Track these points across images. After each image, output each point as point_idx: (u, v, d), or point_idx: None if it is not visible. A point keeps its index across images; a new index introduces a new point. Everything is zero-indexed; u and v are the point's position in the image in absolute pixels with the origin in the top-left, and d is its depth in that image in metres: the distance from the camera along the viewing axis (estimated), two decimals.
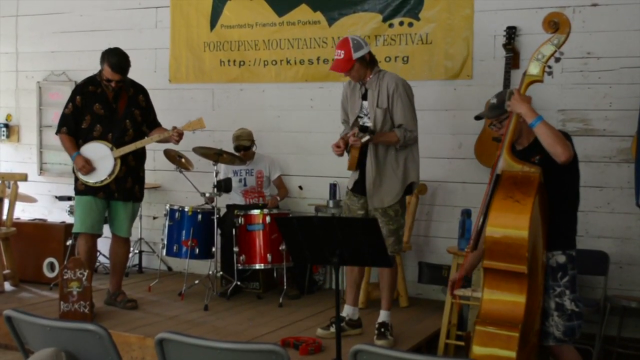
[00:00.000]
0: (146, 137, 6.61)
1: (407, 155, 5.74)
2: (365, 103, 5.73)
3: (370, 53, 5.71)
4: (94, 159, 6.39)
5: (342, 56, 5.60)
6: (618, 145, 6.50)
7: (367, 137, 5.46)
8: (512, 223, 4.01)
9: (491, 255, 4.08)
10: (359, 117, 5.77)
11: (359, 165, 5.70)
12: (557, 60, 4.25)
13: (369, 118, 5.70)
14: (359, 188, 5.79)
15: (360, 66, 5.63)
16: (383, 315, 5.82)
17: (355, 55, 5.58)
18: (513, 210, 4.02)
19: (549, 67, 4.24)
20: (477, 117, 4.81)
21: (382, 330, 5.72)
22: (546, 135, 4.18)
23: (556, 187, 4.28)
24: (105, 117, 6.44)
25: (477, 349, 4.04)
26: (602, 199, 6.56)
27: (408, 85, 5.73)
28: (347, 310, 5.92)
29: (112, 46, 6.51)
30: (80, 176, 6.42)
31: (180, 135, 6.48)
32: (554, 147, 4.16)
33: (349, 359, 3.27)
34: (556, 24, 4.23)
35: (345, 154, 5.75)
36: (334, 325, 5.84)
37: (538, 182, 4.10)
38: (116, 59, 6.36)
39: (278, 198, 7.55)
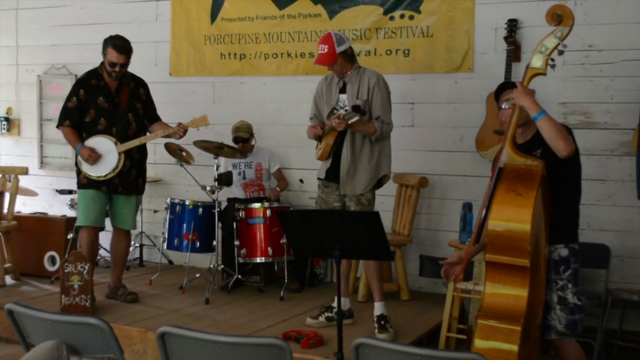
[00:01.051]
0: (148, 132, 6.62)
1: (381, 148, 5.91)
2: (342, 96, 5.91)
3: (351, 48, 5.93)
4: (99, 152, 6.38)
5: (325, 50, 5.82)
6: (619, 138, 6.49)
7: (356, 118, 5.61)
8: (515, 216, 4.00)
9: (493, 249, 4.06)
10: (334, 109, 5.91)
11: (331, 154, 5.87)
12: (561, 53, 4.23)
13: (345, 111, 5.81)
14: (331, 176, 5.92)
15: (343, 60, 5.84)
16: (379, 308, 5.85)
17: (339, 49, 5.79)
18: (515, 204, 4.01)
19: (552, 59, 4.22)
20: (503, 84, 4.70)
21: (382, 323, 5.74)
22: (549, 129, 4.16)
23: (558, 180, 4.27)
24: (109, 110, 6.44)
25: (479, 343, 4.02)
26: (603, 192, 6.55)
27: (387, 83, 5.94)
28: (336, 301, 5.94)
29: None
30: (84, 169, 6.41)
31: (184, 131, 6.50)
32: (556, 141, 4.15)
33: (351, 352, 3.27)
34: (559, 17, 4.20)
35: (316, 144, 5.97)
36: (323, 314, 5.89)
37: (541, 175, 4.09)
38: (119, 41, 6.40)
39: (278, 189, 7.55)
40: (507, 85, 4.61)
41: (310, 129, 5.95)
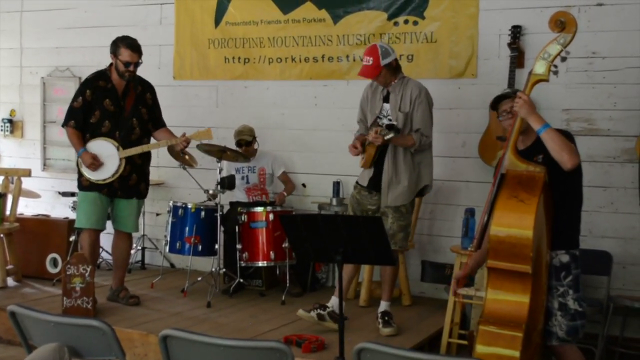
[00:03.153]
0: (152, 138, 6.63)
1: (422, 159, 5.99)
2: (386, 105, 5.96)
3: (396, 60, 5.93)
4: (100, 156, 6.39)
5: (370, 63, 5.83)
6: (622, 145, 6.49)
7: (391, 135, 5.65)
8: (517, 223, 4.00)
9: (495, 255, 4.07)
10: (378, 117, 5.97)
11: (373, 163, 5.92)
12: (563, 59, 4.24)
13: (389, 120, 5.87)
14: (372, 185, 5.99)
15: (387, 72, 5.88)
16: (384, 305, 5.97)
17: (383, 62, 5.82)
18: (518, 210, 4.01)
19: (555, 66, 4.23)
20: (497, 100, 4.67)
21: (386, 318, 5.87)
22: (553, 142, 4.17)
23: (559, 186, 4.27)
24: (114, 114, 6.44)
25: (480, 348, 4.03)
26: (605, 199, 6.55)
27: (430, 95, 5.96)
28: (332, 301, 5.95)
29: None
30: (84, 172, 6.42)
31: (187, 143, 6.52)
32: (561, 154, 4.16)
33: (352, 357, 3.27)
34: (562, 23, 4.21)
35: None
36: (315, 310, 5.89)
37: (543, 181, 4.09)
38: (131, 40, 6.44)
39: (285, 194, 7.55)
40: (502, 98, 4.60)
41: (351, 149, 5.98)
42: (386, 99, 5.95)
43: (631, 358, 6.22)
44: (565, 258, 4.35)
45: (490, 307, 4.12)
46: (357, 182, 6.14)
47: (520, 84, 6.36)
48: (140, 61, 6.46)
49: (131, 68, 6.40)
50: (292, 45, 7.78)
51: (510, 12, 6.82)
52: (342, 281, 4.63)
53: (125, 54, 6.37)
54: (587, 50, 6.50)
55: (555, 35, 4.24)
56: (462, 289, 4.90)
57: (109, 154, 6.39)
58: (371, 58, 5.81)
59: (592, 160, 6.43)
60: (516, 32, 6.67)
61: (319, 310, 5.92)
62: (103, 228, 6.62)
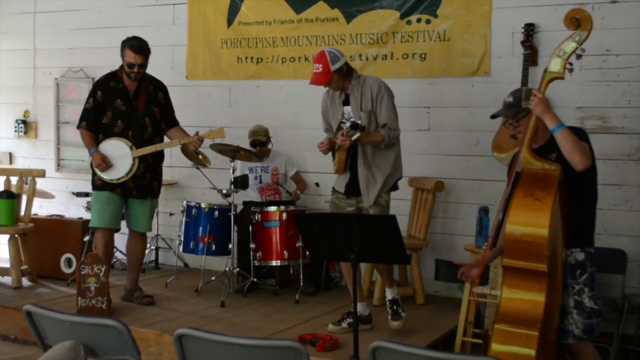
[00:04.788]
0: (165, 137, 6.65)
1: (395, 152, 5.91)
2: (347, 108, 5.89)
3: (346, 64, 5.86)
4: (113, 156, 6.42)
5: (320, 69, 5.77)
6: (637, 143, 6.46)
7: (357, 134, 5.63)
8: (533, 221, 3.99)
9: (511, 254, 4.05)
10: (341, 122, 5.89)
11: (346, 167, 5.86)
12: (579, 57, 4.22)
13: (350, 123, 5.80)
14: (350, 190, 5.92)
15: (339, 77, 5.80)
16: (390, 292, 5.93)
17: (333, 67, 5.74)
18: (533, 208, 4.00)
19: (570, 63, 4.21)
20: (493, 116, 4.75)
21: (395, 308, 5.84)
22: (566, 142, 4.15)
23: (574, 184, 4.26)
24: (126, 113, 6.46)
25: (496, 347, 4.02)
26: (620, 197, 6.52)
27: (389, 87, 5.90)
28: (357, 307, 5.91)
29: None
30: (97, 171, 6.44)
31: (201, 142, 6.52)
32: (573, 155, 4.14)
33: (367, 356, 3.27)
34: (578, 21, 4.20)
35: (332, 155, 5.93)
36: (345, 320, 5.88)
37: (558, 179, 4.08)
38: (137, 41, 6.45)
39: (299, 192, 7.55)
40: (496, 116, 4.64)
41: (319, 145, 5.91)
42: (346, 102, 5.88)
43: None
44: (580, 256, 4.34)
45: (506, 305, 4.11)
46: (333, 188, 6.07)
47: (533, 82, 6.34)
48: (145, 62, 6.46)
49: (135, 69, 6.41)
50: (305, 45, 7.78)
51: (523, 9, 6.80)
52: (355, 280, 4.63)
53: (129, 56, 6.39)
54: (601, 48, 6.47)
55: (570, 33, 4.23)
56: (476, 288, 4.90)
57: (122, 154, 6.41)
58: (320, 65, 5.74)
59: (606, 158, 6.40)
60: (529, 30, 6.65)
61: (348, 319, 5.89)
62: (117, 227, 6.63)
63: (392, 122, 5.78)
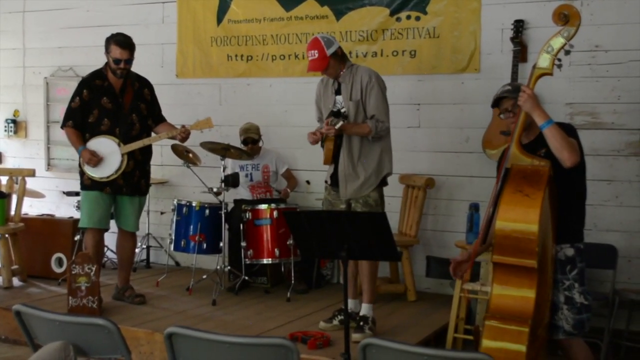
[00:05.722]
0: (153, 134, 6.63)
1: (383, 146, 5.79)
2: (339, 97, 5.82)
3: (340, 48, 5.80)
4: (101, 154, 6.39)
5: (316, 55, 5.70)
6: (626, 138, 6.48)
7: (340, 122, 5.57)
8: (522, 217, 3.99)
9: (501, 250, 4.05)
10: (332, 111, 5.81)
11: (335, 158, 5.78)
12: (567, 53, 4.21)
13: (343, 111, 5.76)
14: (334, 181, 5.85)
15: (335, 62, 5.73)
16: (364, 309, 5.81)
17: (329, 52, 5.68)
18: (523, 205, 4.00)
19: (559, 59, 4.21)
20: (497, 99, 4.61)
21: (361, 324, 5.71)
22: (554, 139, 4.15)
23: (563, 180, 4.26)
24: (113, 111, 6.44)
25: (487, 343, 4.02)
26: (610, 192, 6.54)
27: (381, 78, 5.80)
28: (350, 304, 5.91)
29: None
30: (87, 171, 6.42)
31: (188, 134, 6.48)
32: (561, 152, 4.14)
33: (358, 353, 3.27)
34: (566, 16, 4.19)
35: (321, 148, 5.83)
36: (336, 318, 5.87)
37: (548, 175, 4.08)
38: (122, 37, 6.42)
39: (289, 190, 7.55)
40: (502, 97, 4.56)
41: (310, 136, 5.80)
42: (338, 92, 5.81)
43: (637, 351, 6.22)
44: (570, 252, 4.34)
45: (496, 302, 4.11)
46: (325, 181, 6.01)
47: (523, 78, 6.35)
48: (131, 58, 6.44)
49: (121, 65, 6.38)
50: (295, 43, 7.78)
51: (512, 6, 6.81)
52: (347, 278, 4.63)
53: (114, 51, 6.36)
54: (590, 44, 6.49)
55: (558, 29, 4.23)
56: (467, 284, 4.89)
57: (110, 151, 6.39)
58: (316, 51, 5.68)
59: (596, 154, 6.42)
60: (519, 26, 6.67)
61: (339, 317, 5.88)
62: (106, 227, 6.61)
63: (380, 114, 5.68)
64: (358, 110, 5.70)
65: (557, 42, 4.20)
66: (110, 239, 7.12)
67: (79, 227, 6.91)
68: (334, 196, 5.90)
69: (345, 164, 5.73)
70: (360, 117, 5.70)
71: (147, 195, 6.91)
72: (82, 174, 6.52)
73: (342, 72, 5.78)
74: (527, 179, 4.08)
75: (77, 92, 6.52)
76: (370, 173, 5.74)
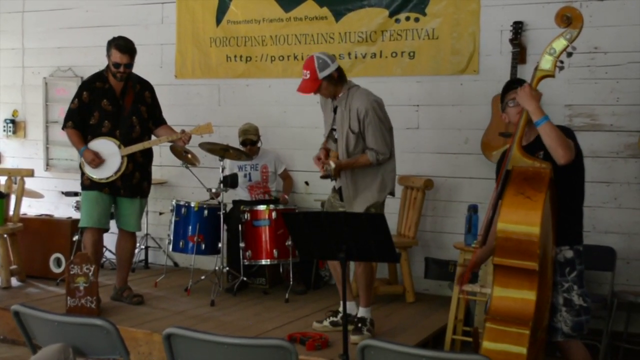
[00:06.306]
0: (153, 137, 6.63)
1: (385, 167, 5.69)
2: (337, 117, 5.67)
3: (338, 70, 5.57)
4: (102, 155, 6.39)
5: (308, 76, 5.51)
6: (625, 140, 6.48)
7: (333, 166, 5.49)
8: (524, 219, 3.97)
9: (502, 252, 4.04)
10: (332, 129, 5.73)
11: (339, 174, 5.67)
12: (569, 55, 4.21)
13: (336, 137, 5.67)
14: (341, 194, 5.78)
15: (329, 84, 5.54)
16: (361, 312, 5.79)
17: (321, 75, 5.47)
18: (524, 207, 3.98)
19: (561, 62, 4.20)
20: (510, 83, 4.59)
21: (359, 325, 5.70)
22: (549, 136, 4.15)
23: (562, 182, 4.25)
24: (113, 113, 6.45)
25: (487, 344, 4.01)
26: (609, 194, 6.54)
27: (378, 104, 5.59)
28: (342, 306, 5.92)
29: None
30: (86, 171, 6.43)
31: (188, 138, 6.51)
32: (556, 149, 4.14)
33: (356, 354, 3.27)
34: (569, 19, 4.18)
35: None
36: (329, 318, 5.87)
37: (549, 177, 4.07)
38: (122, 41, 6.43)
39: (286, 196, 7.55)
40: (513, 85, 4.55)
41: (316, 162, 5.70)
42: (336, 111, 5.66)
43: (635, 353, 6.21)
44: (569, 254, 4.34)
45: (497, 304, 4.10)
46: (334, 185, 5.93)
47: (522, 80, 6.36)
48: (131, 62, 6.44)
49: (121, 69, 6.39)
50: (294, 43, 7.78)
51: (511, 8, 6.81)
52: (345, 279, 4.63)
53: (115, 55, 6.38)
54: (589, 46, 6.48)
55: (560, 31, 4.22)
56: (466, 285, 4.90)
57: (110, 153, 6.39)
58: (308, 72, 5.47)
59: (595, 156, 6.42)
60: (518, 28, 6.67)
61: (332, 318, 5.89)
62: (106, 227, 6.61)
63: (380, 147, 5.52)
64: (358, 141, 5.57)
65: (560, 44, 4.19)
66: (109, 239, 7.12)
67: (79, 227, 6.91)
68: (337, 200, 5.86)
69: (349, 186, 5.66)
70: (360, 146, 5.57)
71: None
72: (82, 173, 6.53)
73: (339, 95, 5.61)
74: (529, 181, 4.07)
75: (77, 94, 6.54)
76: (372, 193, 5.65)
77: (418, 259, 7.24)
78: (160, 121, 6.73)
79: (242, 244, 6.96)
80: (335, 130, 5.70)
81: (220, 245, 6.98)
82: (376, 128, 5.51)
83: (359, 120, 5.50)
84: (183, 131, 6.50)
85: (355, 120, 5.51)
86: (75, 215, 7.86)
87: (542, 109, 4.21)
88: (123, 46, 6.38)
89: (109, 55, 6.42)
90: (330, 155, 5.69)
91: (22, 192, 7.68)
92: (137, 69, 6.60)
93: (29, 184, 8.01)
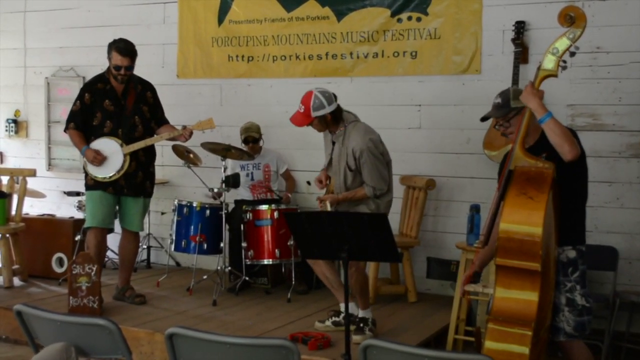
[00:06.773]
0: (155, 135, 6.63)
1: (382, 199, 5.75)
2: (334, 151, 5.76)
3: (333, 112, 5.64)
4: (104, 153, 6.40)
5: (302, 110, 5.65)
6: (627, 140, 6.48)
7: (328, 204, 5.64)
8: (526, 220, 3.96)
9: (504, 253, 4.02)
10: (331, 157, 5.80)
11: None
12: (572, 54, 4.19)
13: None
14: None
15: (320, 123, 5.67)
16: (362, 313, 5.81)
17: (314, 114, 5.59)
18: (527, 207, 3.97)
19: (564, 61, 4.19)
20: (483, 118, 4.70)
21: (361, 325, 5.72)
22: (554, 132, 4.14)
23: (564, 182, 4.25)
24: (115, 113, 6.46)
25: (490, 344, 4.01)
26: (611, 194, 6.53)
27: (374, 143, 5.63)
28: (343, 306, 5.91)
29: None
30: (89, 171, 6.44)
31: (190, 134, 6.51)
32: (562, 145, 4.13)
33: (358, 354, 3.27)
34: (572, 18, 4.17)
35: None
36: (331, 318, 5.87)
37: (551, 178, 4.06)
38: (123, 44, 6.44)
39: (289, 195, 7.54)
40: (486, 118, 4.62)
41: (317, 183, 5.91)
42: (334, 143, 5.77)
43: (638, 353, 6.21)
44: (572, 254, 4.33)
45: (499, 305, 4.09)
46: None
47: (524, 79, 6.37)
48: (131, 65, 6.45)
49: (122, 72, 6.41)
50: (296, 43, 7.77)
51: (513, 7, 6.81)
52: (347, 278, 4.63)
53: (115, 58, 6.40)
54: (591, 45, 6.47)
55: (563, 30, 4.21)
56: (468, 286, 4.89)
57: (113, 151, 6.41)
58: (304, 107, 5.62)
59: (597, 156, 6.42)
60: (520, 27, 6.66)
61: (334, 318, 5.91)
62: (110, 227, 6.63)
63: (377, 182, 5.62)
64: (355, 177, 5.67)
65: (563, 43, 4.18)
66: (111, 239, 7.12)
67: (82, 228, 6.91)
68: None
69: (349, 206, 5.74)
70: (358, 180, 5.67)
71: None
72: (85, 174, 6.55)
73: (337, 131, 5.71)
74: (531, 181, 4.06)
75: (79, 96, 6.58)
76: (369, 207, 5.71)
77: (420, 259, 7.24)
78: (162, 121, 6.74)
79: (244, 244, 6.96)
80: (333, 159, 5.78)
81: (222, 245, 6.99)
82: (372, 167, 5.62)
83: (355, 159, 5.60)
84: (184, 127, 6.51)
85: (351, 158, 5.62)
86: (77, 215, 7.87)
87: (544, 107, 4.20)
88: (123, 49, 6.39)
89: (109, 58, 6.44)
90: (327, 190, 5.85)
91: (24, 192, 7.68)
92: (138, 69, 6.61)
93: (31, 183, 8.01)
